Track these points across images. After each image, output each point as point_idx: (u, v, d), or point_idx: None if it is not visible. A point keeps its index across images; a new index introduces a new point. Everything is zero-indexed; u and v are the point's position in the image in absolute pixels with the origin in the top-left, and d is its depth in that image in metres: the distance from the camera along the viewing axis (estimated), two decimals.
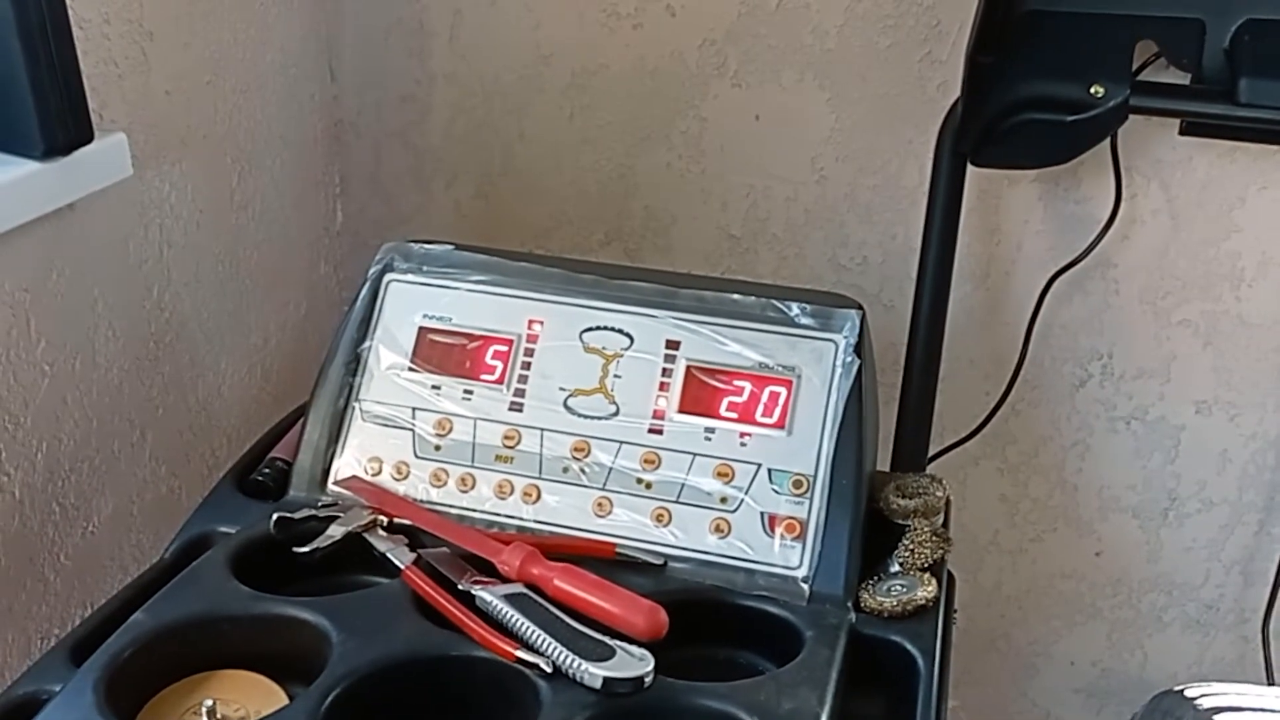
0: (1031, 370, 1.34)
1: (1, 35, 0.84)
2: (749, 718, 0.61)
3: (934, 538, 0.76)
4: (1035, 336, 1.31)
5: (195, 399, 1.19)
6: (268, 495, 0.81)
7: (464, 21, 1.35)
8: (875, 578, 0.74)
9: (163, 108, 1.09)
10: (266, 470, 0.82)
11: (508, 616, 0.66)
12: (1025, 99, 1.10)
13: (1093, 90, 1.08)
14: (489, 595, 0.67)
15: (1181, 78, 1.11)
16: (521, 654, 0.64)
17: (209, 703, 0.63)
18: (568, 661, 0.62)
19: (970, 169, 1.16)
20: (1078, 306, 1.31)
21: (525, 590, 0.68)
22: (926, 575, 0.73)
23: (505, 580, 0.70)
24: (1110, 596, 1.44)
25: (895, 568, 0.75)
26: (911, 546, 0.75)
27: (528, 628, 0.65)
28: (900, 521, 0.77)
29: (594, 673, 0.62)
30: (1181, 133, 1.15)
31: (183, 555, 0.75)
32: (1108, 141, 1.19)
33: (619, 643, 0.64)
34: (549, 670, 0.63)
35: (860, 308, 0.79)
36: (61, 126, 0.88)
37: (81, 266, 1.00)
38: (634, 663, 0.63)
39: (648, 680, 0.62)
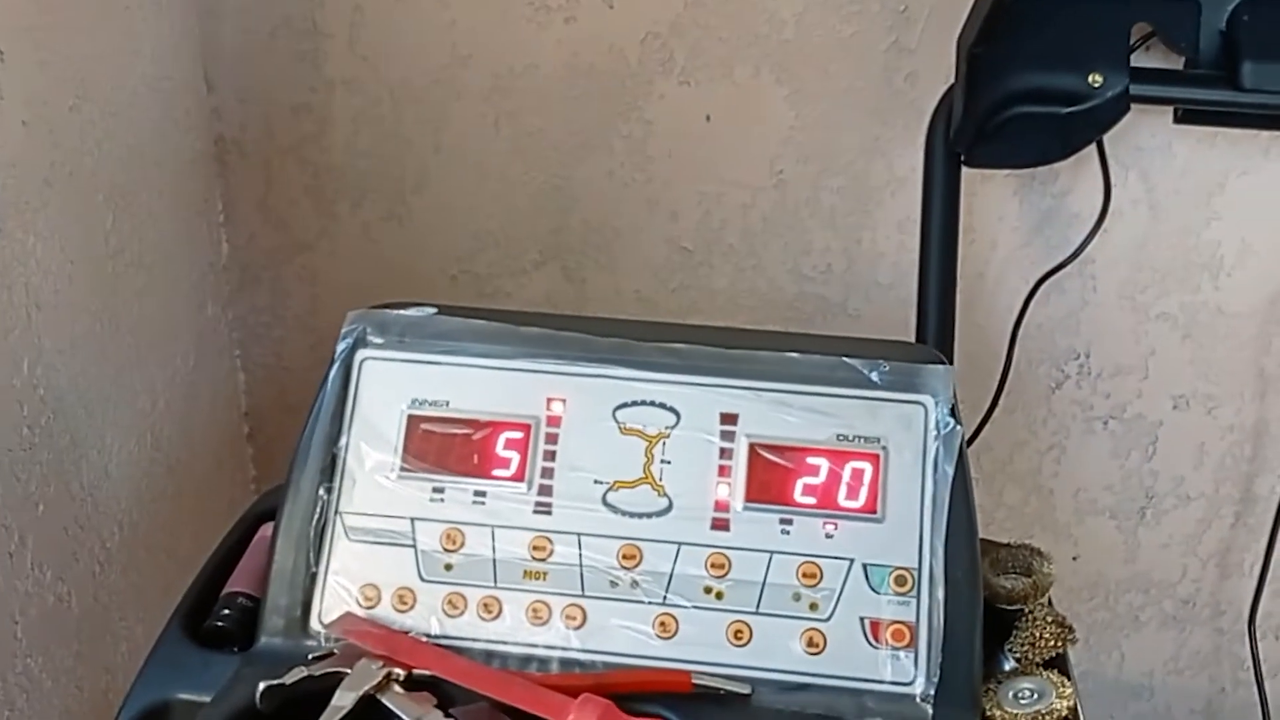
0: (1008, 374, 1.27)
1: None
2: None
3: (1055, 626, 0.65)
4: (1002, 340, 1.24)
5: (79, 485, 1.00)
6: (231, 644, 0.64)
7: (365, 19, 1.18)
8: (996, 682, 0.63)
9: (20, 143, 0.89)
10: (225, 611, 0.65)
11: None
12: (1018, 92, 1.03)
13: (1090, 79, 1.02)
14: None
15: (1175, 62, 1.06)
16: None
17: None
18: None
19: None
20: (1054, 306, 1.26)
21: None
22: (1055, 674, 0.62)
23: None
24: (1087, 600, 1.41)
25: (1010, 664, 0.63)
26: (1033, 636, 0.64)
27: None
28: (1005, 607, 0.66)
29: None
30: (1176, 120, 1.09)
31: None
32: None
33: None
34: None
35: (938, 356, 0.68)
36: None
37: None
38: None
39: None
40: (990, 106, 1.02)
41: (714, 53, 1.16)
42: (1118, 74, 0.98)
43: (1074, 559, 1.40)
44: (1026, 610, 0.65)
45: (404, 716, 0.57)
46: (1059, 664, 0.64)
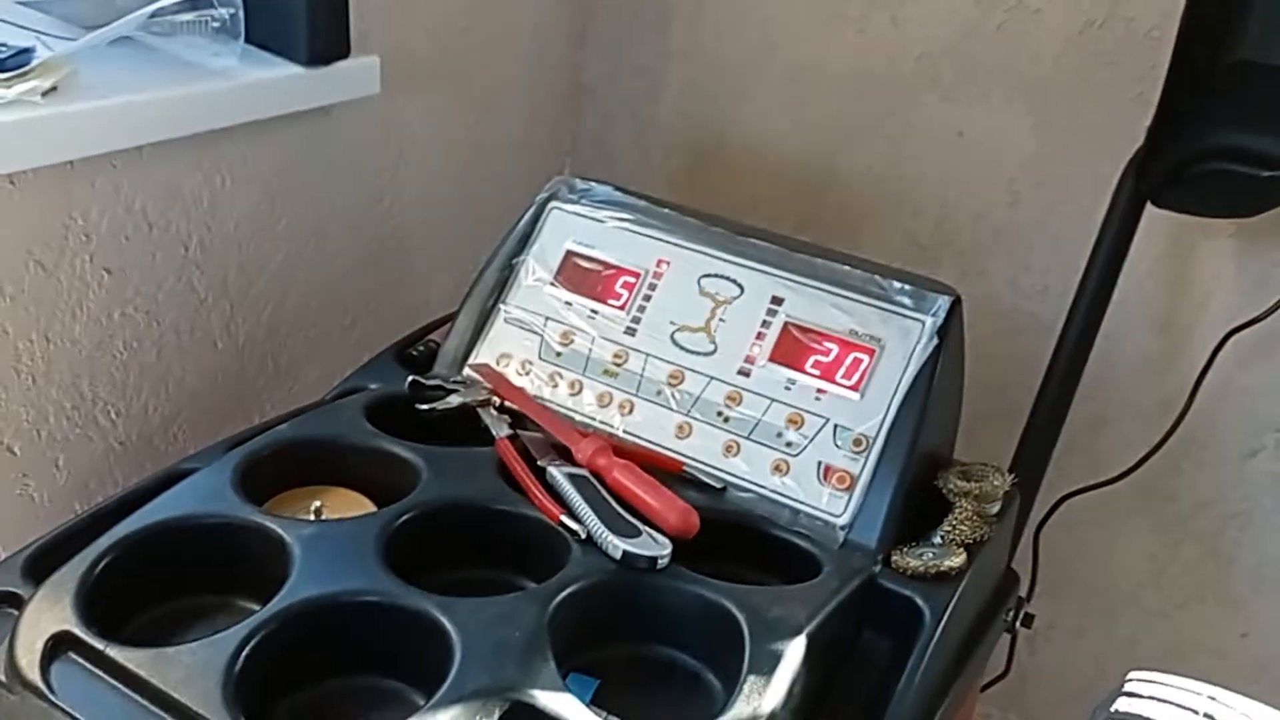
0: (1202, 430, 1.32)
1: None
2: (738, 612, 0.69)
3: (977, 518, 0.81)
4: (1210, 396, 1.29)
5: (405, 302, 1.36)
6: (418, 367, 0.95)
7: (705, 6, 1.46)
8: (914, 544, 0.80)
9: (420, 42, 1.26)
10: (421, 347, 0.96)
11: (565, 490, 0.77)
12: (1219, 148, 1.09)
13: None
14: (556, 471, 0.78)
15: None
16: (565, 519, 0.74)
17: (317, 504, 0.78)
18: (599, 531, 0.73)
19: (1160, 212, 1.17)
20: (1260, 372, 1.28)
21: (588, 475, 0.79)
22: (960, 549, 0.78)
23: (576, 465, 0.80)
24: (1253, 681, 1.39)
25: (936, 540, 0.80)
26: (954, 523, 0.80)
27: (577, 500, 0.75)
28: (953, 500, 0.82)
29: (616, 544, 0.72)
30: None
31: (337, 397, 0.90)
32: None
33: (650, 530, 0.74)
34: (583, 536, 0.74)
35: (955, 295, 0.85)
36: (324, 41, 1.06)
37: (326, 165, 1.18)
38: (654, 545, 0.72)
39: (660, 562, 0.71)
40: (1189, 157, 1.10)
41: (976, 78, 1.33)
42: None
43: (1243, 635, 1.39)
44: (961, 504, 0.81)
45: (485, 419, 0.85)
46: (971, 548, 0.80)
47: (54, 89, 0.90)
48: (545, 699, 0.61)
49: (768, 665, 0.66)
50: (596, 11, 1.52)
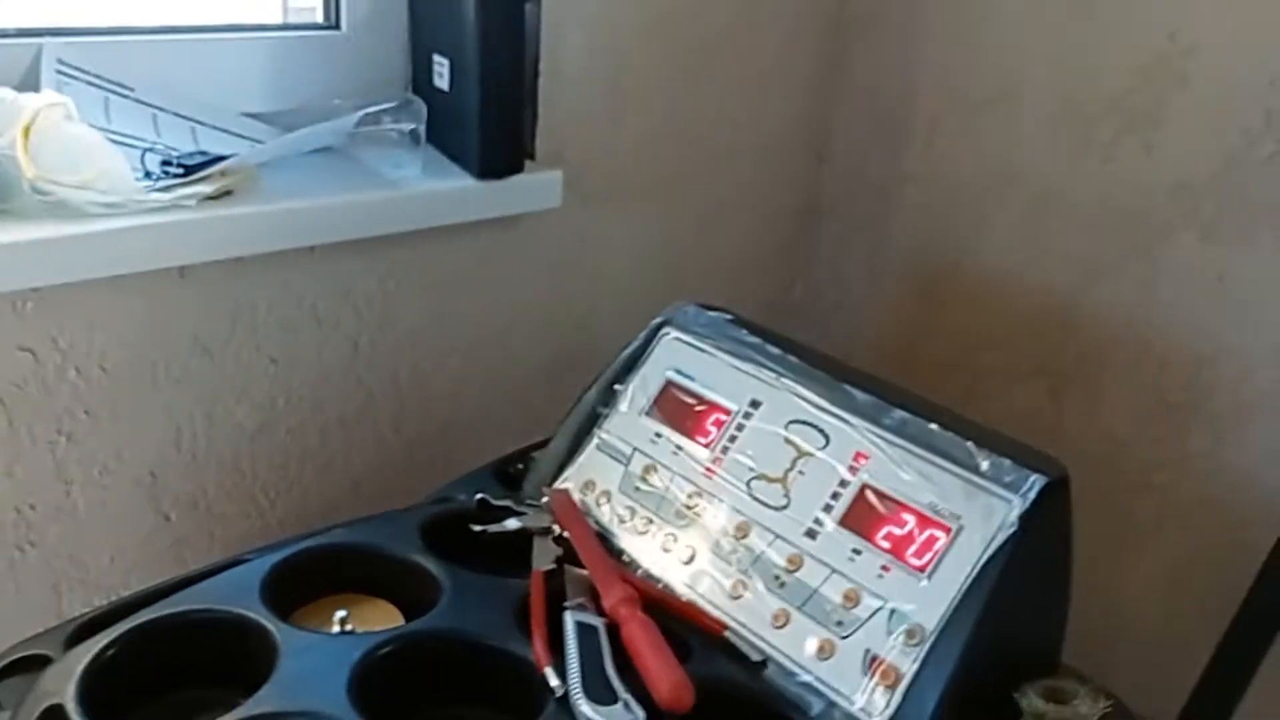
0: None
1: (467, 80, 1.06)
2: None
3: None
4: None
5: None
6: (512, 484, 0.94)
7: (940, 128, 1.37)
8: None
9: (624, 157, 1.27)
10: (520, 465, 0.95)
11: (567, 638, 0.72)
12: None
13: None
14: (569, 617, 0.74)
15: None
16: (549, 670, 0.69)
17: (342, 613, 0.78)
18: (575, 692, 0.67)
19: None
20: None
21: (601, 625, 0.73)
22: None
23: (597, 612, 0.75)
24: None
25: None
26: None
27: (572, 652, 0.70)
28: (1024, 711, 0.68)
29: (584, 710, 0.66)
30: None
31: (426, 505, 0.90)
32: None
33: (630, 699, 0.67)
34: (559, 694, 0.68)
35: (1057, 474, 0.72)
36: (497, 155, 1.09)
37: (511, 271, 1.21)
38: (623, 717, 0.65)
39: None
40: None
41: (1242, 215, 1.15)
42: None
43: None
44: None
45: (536, 548, 0.82)
46: None
47: (228, 192, 0.98)
48: None
49: None
50: (836, 128, 1.47)
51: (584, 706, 0.66)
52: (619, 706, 0.66)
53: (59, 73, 1.03)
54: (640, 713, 0.66)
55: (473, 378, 1.22)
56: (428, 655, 0.72)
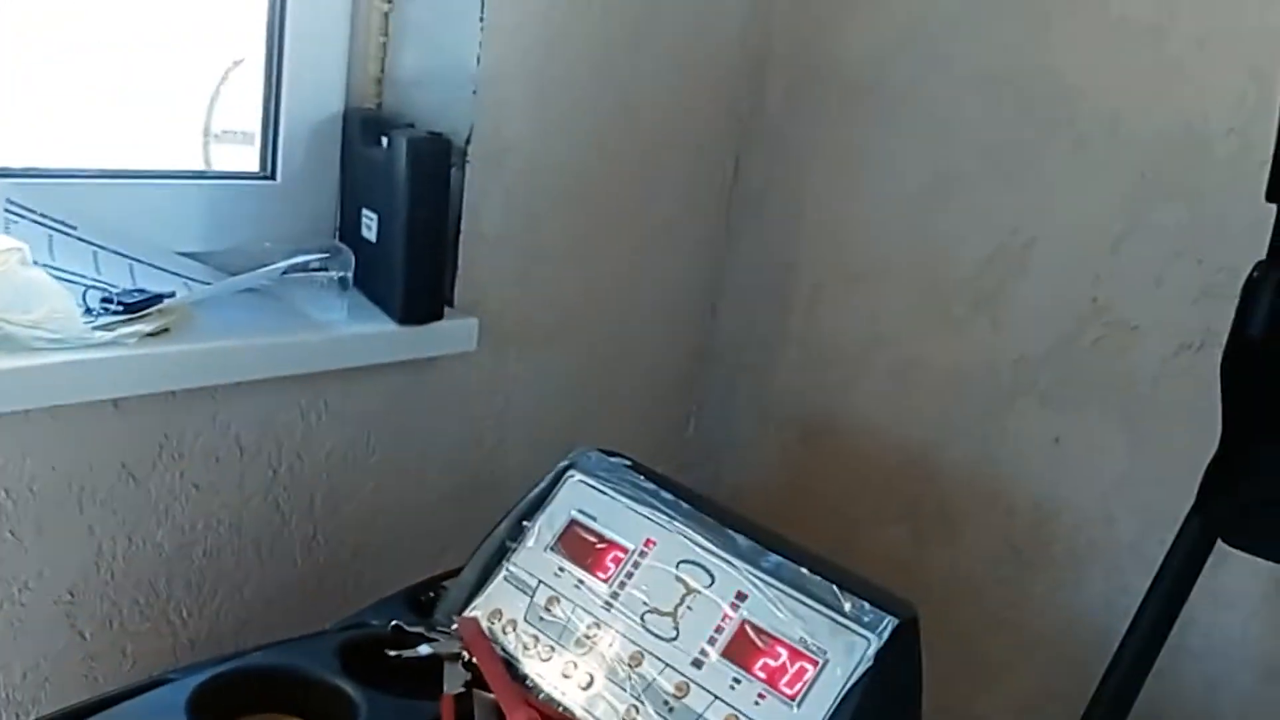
0: None
1: (394, 233, 1.17)
2: None
3: None
4: None
5: None
6: (423, 611, 1.01)
7: (822, 296, 1.52)
8: None
9: (535, 306, 1.38)
10: (431, 593, 1.03)
11: None
12: None
13: None
14: None
15: None
16: None
17: None
18: None
19: None
20: None
21: None
22: None
23: None
24: None
25: None
26: None
27: None
28: None
29: None
30: None
31: (341, 630, 0.97)
32: None
33: None
34: None
35: (907, 616, 0.83)
36: (418, 304, 1.19)
37: (427, 408, 1.30)
38: None
39: None
40: (1259, 500, 1.04)
41: (1074, 386, 1.31)
42: None
43: None
44: None
45: (446, 673, 0.90)
46: None
47: (165, 330, 1.06)
48: None
49: None
50: (727, 286, 1.61)
51: None
52: None
53: (8, 211, 1.10)
54: None
55: (385, 506, 1.30)
56: None
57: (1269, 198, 0.89)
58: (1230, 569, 1.15)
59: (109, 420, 1.05)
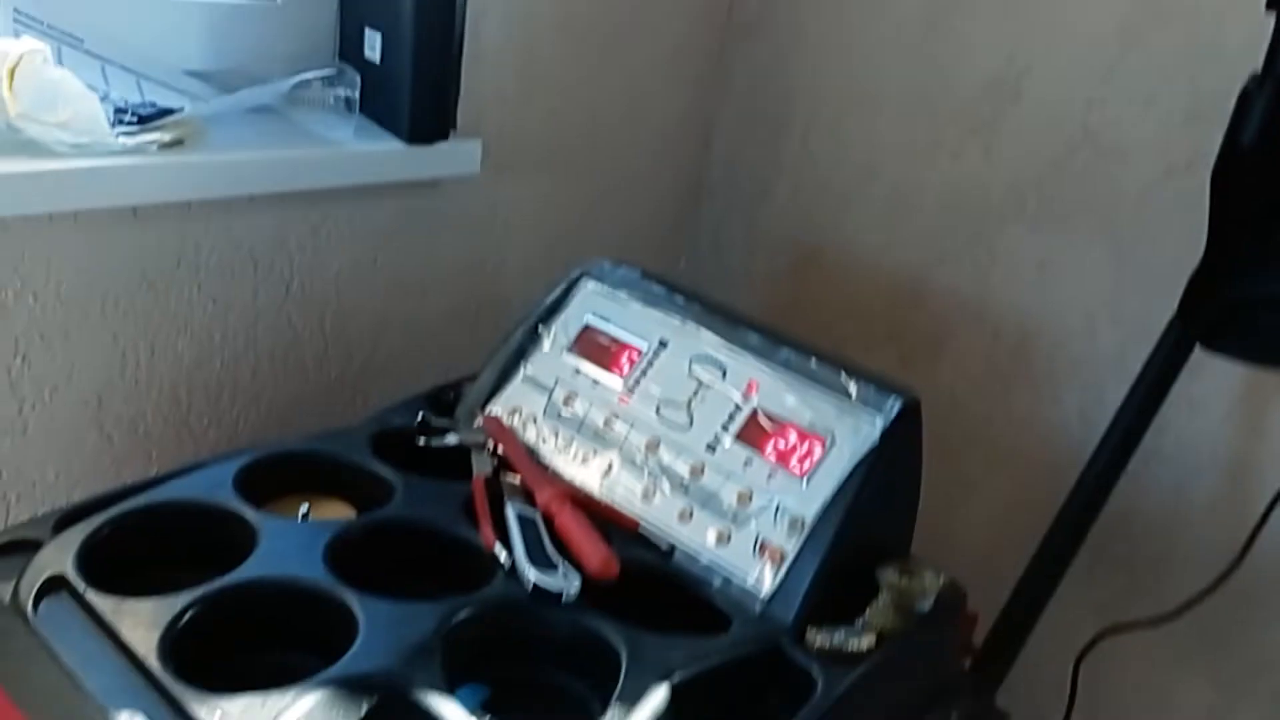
0: (1265, 582, 1.27)
1: (400, 52, 1.18)
2: (622, 648, 0.75)
3: (897, 610, 0.83)
4: (1276, 545, 1.24)
5: None
6: (444, 411, 1.06)
7: (815, 124, 1.55)
8: (836, 626, 0.83)
9: (535, 130, 1.40)
10: (452, 394, 1.07)
11: (510, 525, 0.85)
12: (1271, 299, 1.07)
13: None
14: (510, 509, 0.87)
15: None
16: (498, 547, 0.83)
17: (305, 507, 0.89)
18: (521, 561, 0.80)
19: None
20: None
21: (538, 517, 0.87)
22: (873, 635, 0.81)
23: (533, 507, 0.89)
24: None
25: (856, 625, 0.83)
26: (874, 611, 0.83)
27: (515, 535, 0.83)
28: (880, 591, 0.85)
29: (529, 575, 0.79)
30: None
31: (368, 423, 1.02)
32: None
33: (568, 567, 0.81)
34: (507, 566, 0.82)
35: (911, 397, 0.89)
36: (425, 123, 1.21)
37: (431, 230, 1.33)
38: (564, 581, 0.79)
39: (566, 596, 0.78)
40: (1237, 302, 1.09)
41: (1061, 212, 1.35)
42: None
43: None
44: (882, 595, 0.84)
45: (474, 459, 0.95)
46: (887, 635, 0.83)
47: (180, 141, 1.08)
48: (421, 694, 0.69)
49: (633, 698, 0.71)
50: (722, 117, 1.63)
51: (530, 572, 0.80)
52: (559, 572, 0.80)
53: (16, 20, 1.10)
54: (576, 577, 0.80)
55: (391, 324, 1.33)
56: (389, 539, 0.85)
57: (1269, 6, 0.92)
58: (1204, 376, 1.22)
59: (129, 228, 1.07)
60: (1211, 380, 1.24)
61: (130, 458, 1.15)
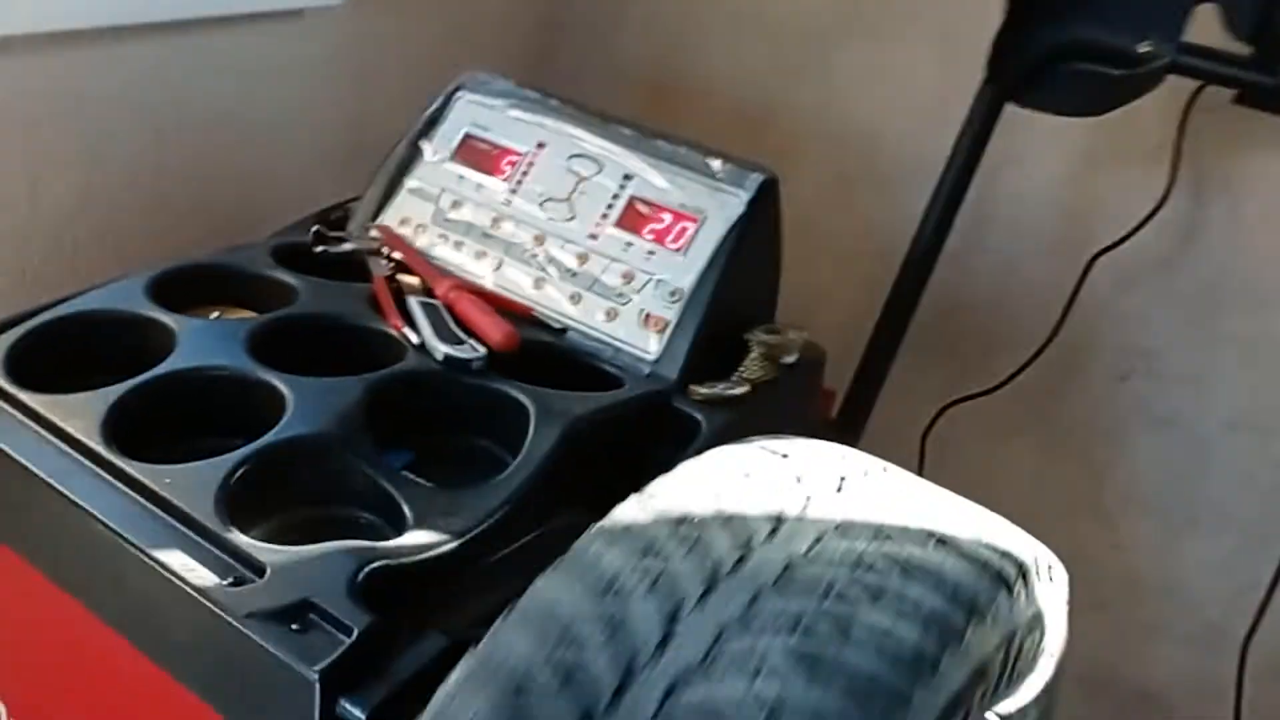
0: (1080, 352, 1.43)
1: None
2: (529, 403, 0.84)
3: (767, 362, 0.94)
4: (1088, 319, 1.40)
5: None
6: (335, 226, 1.11)
7: None
8: (716, 381, 0.94)
9: None
10: (341, 212, 1.13)
11: (414, 311, 0.92)
12: (1072, 45, 1.12)
13: (1142, 47, 1.08)
14: (413, 300, 0.94)
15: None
16: (406, 329, 0.90)
17: (216, 314, 0.94)
18: (430, 339, 0.88)
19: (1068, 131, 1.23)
20: (1131, 299, 1.39)
21: (439, 304, 0.94)
22: (746, 384, 0.92)
23: (434, 298, 0.96)
24: (1125, 588, 1.49)
25: (732, 378, 0.94)
26: (747, 364, 0.94)
27: (421, 319, 0.91)
28: (751, 348, 0.96)
29: (439, 348, 0.87)
30: (1234, 101, 1.16)
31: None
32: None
33: (474, 342, 0.89)
34: (417, 342, 0.89)
35: (770, 175, 0.99)
36: None
37: (294, 65, 1.35)
38: (471, 351, 0.87)
39: (475, 364, 0.87)
40: (1040, 54, 1.14)
41: (893, 16, 1.44)
42: (1168, 46, 1.06)
43: (1113, 547, 1.51)
44: (752, 349, 0.95)
45: (370, 263, 1.01)
46: (760, 385, 0.94)
47: None
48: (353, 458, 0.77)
49: (543, 443, 0.81)
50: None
51: (439, 346, 0.87)
52: (466, 346, 0.88)
53: None
54: (481, 348, 0.88)
55: (264, 163, 1.36)
56: (302, 330, 0.91)
57: None
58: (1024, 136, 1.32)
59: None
60: (1036, 139, 1.35)
61: (12, 300, 1.17)
